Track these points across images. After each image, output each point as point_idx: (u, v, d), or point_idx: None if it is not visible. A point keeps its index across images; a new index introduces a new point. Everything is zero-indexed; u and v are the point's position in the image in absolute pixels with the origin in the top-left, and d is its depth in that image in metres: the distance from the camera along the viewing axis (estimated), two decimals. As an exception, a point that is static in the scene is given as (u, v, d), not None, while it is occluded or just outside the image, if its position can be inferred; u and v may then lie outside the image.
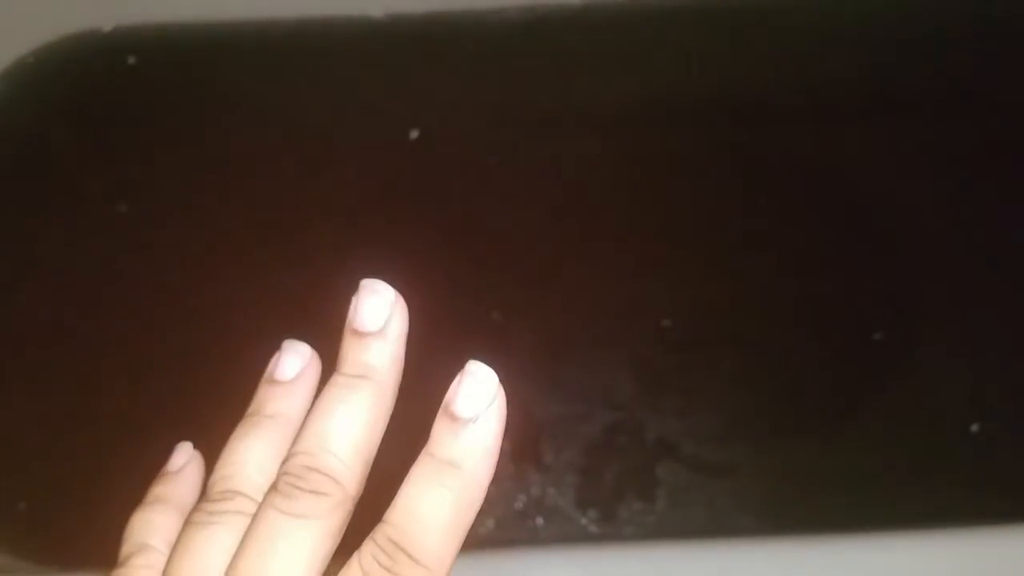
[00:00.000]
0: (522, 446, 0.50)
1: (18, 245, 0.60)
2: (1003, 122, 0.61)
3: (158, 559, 0.24)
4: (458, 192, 0.60)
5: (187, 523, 0.23)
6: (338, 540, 0.22)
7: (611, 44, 0.66)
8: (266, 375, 0.26)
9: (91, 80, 0.66)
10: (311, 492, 0.22)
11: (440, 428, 0.23)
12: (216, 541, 0.22)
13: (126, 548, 0.25)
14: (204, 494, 0.24)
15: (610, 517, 0.48)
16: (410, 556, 0.22)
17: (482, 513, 0.41)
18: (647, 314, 0.54)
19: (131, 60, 0.65)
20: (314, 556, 0.22)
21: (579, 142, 0.61)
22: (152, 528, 0.25)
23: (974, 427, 0.51)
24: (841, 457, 0.51)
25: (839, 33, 0.65)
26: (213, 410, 0.52)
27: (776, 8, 0.66)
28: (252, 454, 0.24)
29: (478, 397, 0.23)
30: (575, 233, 0.58)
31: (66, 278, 0.58)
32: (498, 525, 0.48)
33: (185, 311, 0.56)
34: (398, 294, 0.24)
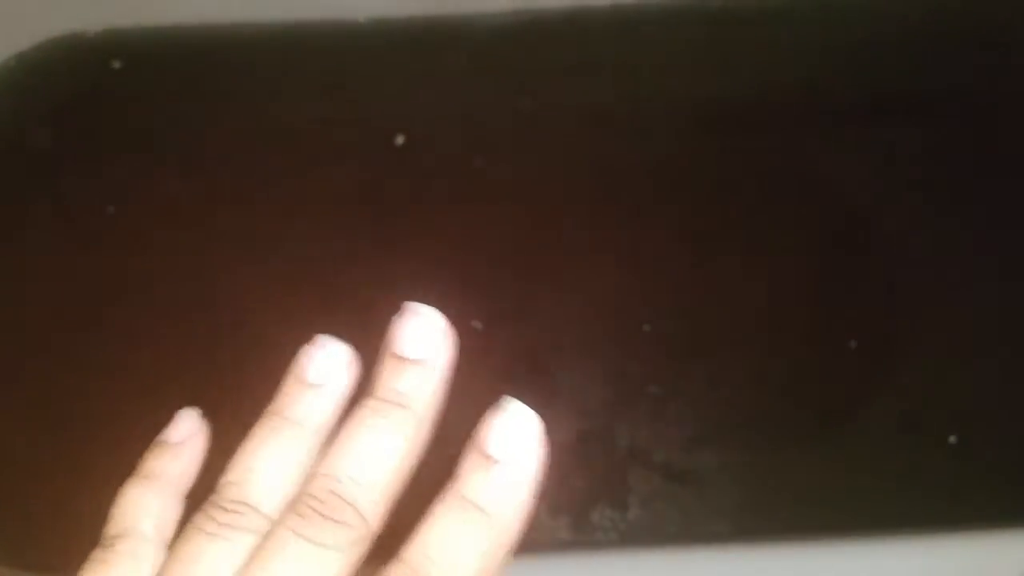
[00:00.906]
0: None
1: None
2: (983, 127, 0.62)
3: (145, 549, 0.22)
4: (443, 200, 0.60)
5: (193, 527, 0.21)
6: None
7: (594, 49, 0.66)
8: (296, 372, 0.24)
9: (75, 84, 0.65)
10: (333, 521, 0.20)
11: (470, 466, 0.21)
12: (224, 556, 0.20)
13: (112, 528, 0.23)
14: (214, 495, 0.22)
15: (582, 524, 0.48)
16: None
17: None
18: (625, 321, 0.55)
19: (116, 64, 0.65)
20: None
21: (561, 147, 0.62)
22: (144, 509, 0.23)
23: (952, 439, 0.51)
24: (815, 465, 0.51)
25: (817, 38, 0.66)
26: (217, 416, 0.53)
27: (763, 13, 0.67)
28: (271, 462, 0.22)
29: (515, 438, 0.21)
30: (558, 238, 0.58)
31: (45, 281, 0.58)
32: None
33: (169, 314, 0.56)
34: (448, 322, 0.23)
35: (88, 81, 0.65)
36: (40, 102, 0.65)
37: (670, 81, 0.65)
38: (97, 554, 0.22)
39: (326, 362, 0.24)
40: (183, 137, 0.63)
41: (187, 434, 0.25)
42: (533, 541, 0.47)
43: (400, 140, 0.62)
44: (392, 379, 0.22)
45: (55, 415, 0.53)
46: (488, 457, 0.21)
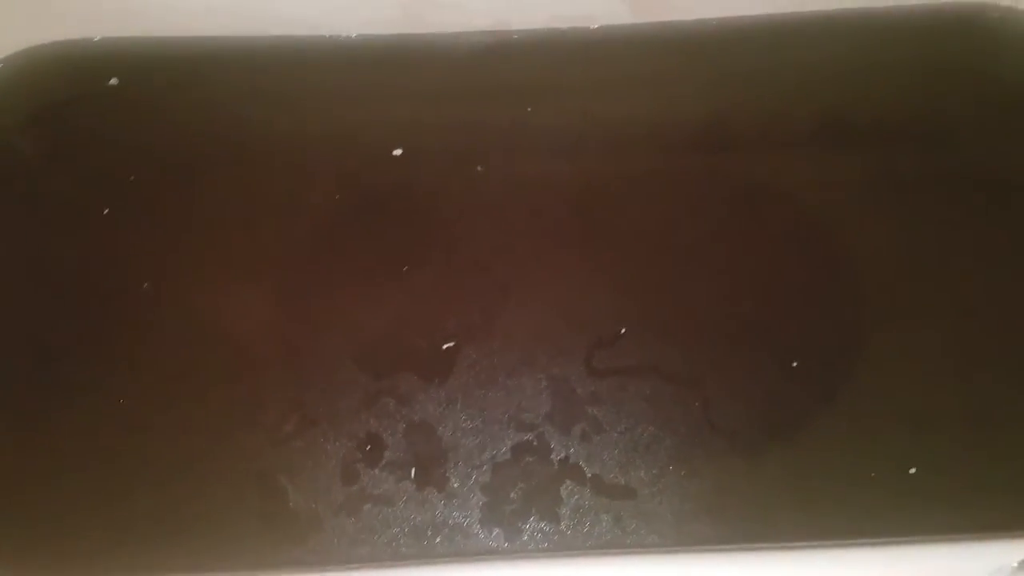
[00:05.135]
0: (429, 468, 0.53)
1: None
2: (937, 152, 0.63)
3: None
4: (440, 210, 0.62)
5: None
6: None
7: (566, 70, 0.68)
8: None
9: (65, 90, 0.67)
10: None
11: None
12: None
13: None
14: None
15: (514, 535, 0.50)
16: None
17: (382, 534, 0.45)
18: (577, 338, 0.57)
19: (110, 73, 0.67)
20: None
21: (544, 164, 0.64)
22: None
23: (912, 470, 0.52)
24: (751, 479, 0.53)
25: (793, 62, 0.68)
26: (181, 420, 0.56)
27: (729, 41, 0.68)
28: None
29: None
30: (537, 255, 0.60)
31: (39, 282, 0.60)
32: (398, 545, 0.50)
33: (161, 325, 0.58)
34: None
35: (81, 88, 0.67)
36: (27, 107, 0.67)
37: (650, 101, 0.67)
38: None
39: None
40: (176, 149, 0.65)
41: None
42: (465, 552, 0.50)
43: (398, 152, 0.64)
44: None
45: (51, 419, 0.55)
46: None
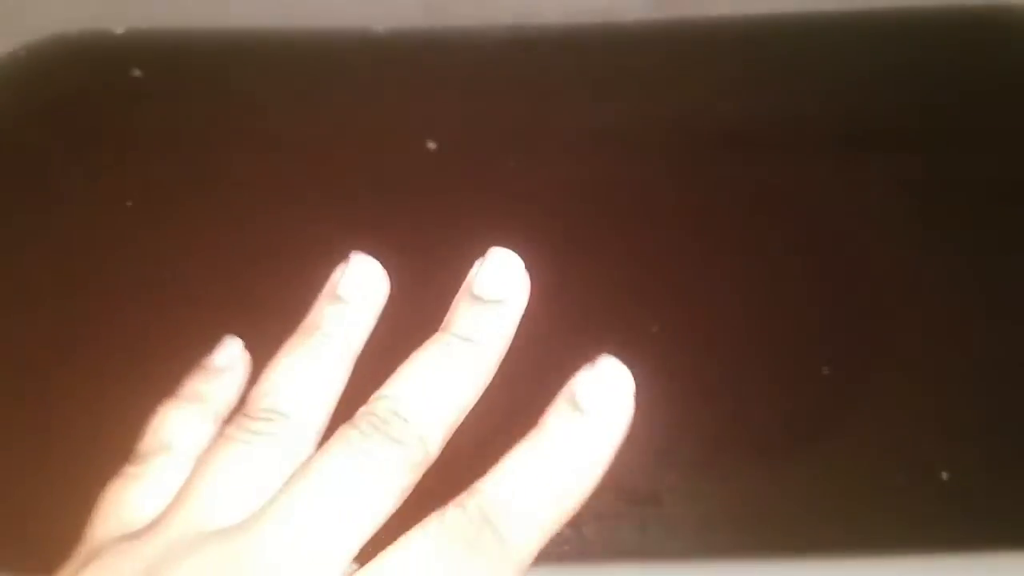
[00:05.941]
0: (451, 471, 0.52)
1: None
2: (963, 161, 0.62)
3: (178, 466, 0.21)
4: (478, 202, 0.61)
5: (222, 436, 0.21)
6: (398, 504, 0.19)
7: (589, 66, 0.68)
8: (328, 289, 0.23)
9: (87, 80, 0.67)
10: (394, 440, 0.19)
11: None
12: (252, 463, 0.19)
13: (146, 444, 0.22)
14: (244, 405, 0.21)
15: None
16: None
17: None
18: (604, 336, 0.56)
19: (132, 62, 0.67)
20: (379, 510, 0.19)
21: (576, 159, 0.63)
22: (181, 428, 0.22)
23: (944, 474, 0.51)
24: (778, 487, 0.51)
25: (811, 66, 0.67)
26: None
27: (753, 39, 0.67)
28: (301, 372, 0.21)
29: (605, 392, 0.21)
30: (561, 255, 0.59)
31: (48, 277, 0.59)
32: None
33: (173, 322, 0.56)
34: (525, 270, 0.23)
35: (103, 79, 0.67)
36: (47, 96, 0.66)
37: (673, 102, 0.66)
38: (128, 468, 0.22)
39: (357, 277, 0.23)
40: (203, 143, 0.64)
41: (230, 360, 0.25)
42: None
43: (432, 145, 0.63)
44: (467, 318, 0.22)
45: (66, 418, 0.54)
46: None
